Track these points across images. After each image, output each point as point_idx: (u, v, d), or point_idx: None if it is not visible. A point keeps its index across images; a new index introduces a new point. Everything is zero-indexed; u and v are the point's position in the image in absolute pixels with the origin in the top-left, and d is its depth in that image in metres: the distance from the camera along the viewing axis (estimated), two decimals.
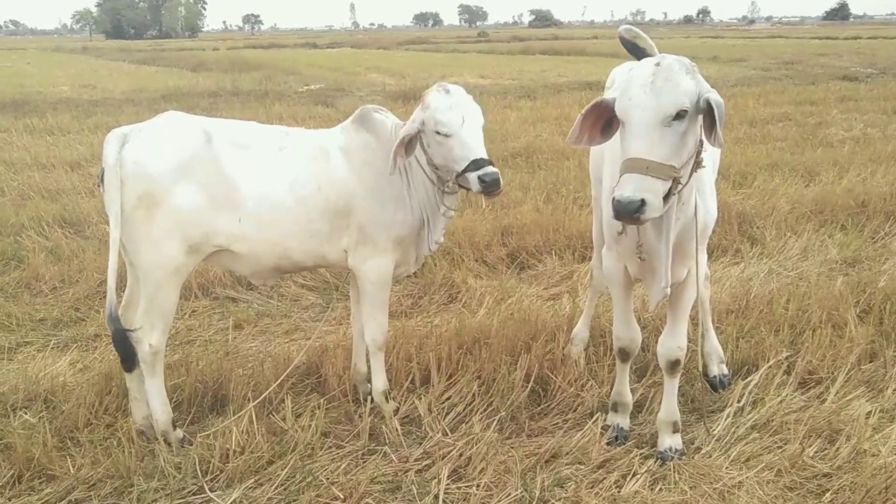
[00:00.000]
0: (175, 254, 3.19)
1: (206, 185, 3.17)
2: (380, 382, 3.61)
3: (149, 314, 3.27)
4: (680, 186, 2.55)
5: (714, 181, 3.08)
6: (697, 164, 2.65)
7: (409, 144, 3.18)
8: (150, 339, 3.28)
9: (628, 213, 2.40)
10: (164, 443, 3.37)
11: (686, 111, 2.47)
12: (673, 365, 3.26)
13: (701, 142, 2.63)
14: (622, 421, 3.46)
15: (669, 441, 3.29)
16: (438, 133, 3.12)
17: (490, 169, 3.04)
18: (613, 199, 2.43)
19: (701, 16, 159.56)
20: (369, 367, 3.69)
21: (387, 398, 3.61)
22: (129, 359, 3.32)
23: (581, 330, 4.22)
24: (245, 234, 3.25)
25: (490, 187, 3.03)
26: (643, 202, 2.39)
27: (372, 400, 3.65)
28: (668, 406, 3.31)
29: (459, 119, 3.10)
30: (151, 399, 3.39)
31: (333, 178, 3.31)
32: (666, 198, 2.48)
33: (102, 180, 3.20)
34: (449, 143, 3.12)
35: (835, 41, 41.45)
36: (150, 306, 3.26)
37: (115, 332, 3.24)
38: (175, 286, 3.28)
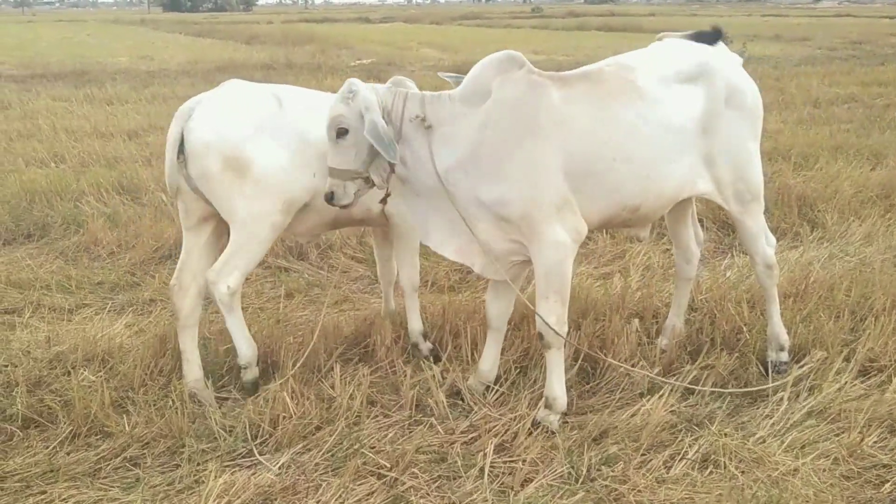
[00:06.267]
0: (273, 210, 3.40)
1: (285, 144, 3.39)
2: (416, 323, 3.82)
3: (233, 259, 3.41)
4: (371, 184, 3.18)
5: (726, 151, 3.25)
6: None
7: None
8: (227, 281, 3.41)
9: (329, 200, 3.13)
10: (248, 377, 3.59)
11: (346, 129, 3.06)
12: (538, 337, 3.34)
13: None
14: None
15: (543, 414, 3.33)
16: None
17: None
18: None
19: None
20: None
21: (425, 337, 3.77)
22: None
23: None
24: (318, 188, 3.40)
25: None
26: (332, 193, 3.10)
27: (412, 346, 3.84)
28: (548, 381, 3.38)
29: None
30: (235, 337, 3.57)
31: None
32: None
33: (182, 151, 3.36)
34: None
35: None
36: (236, 252, 3.41)
37: None
38: (269, 240, 3.47)
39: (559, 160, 3.10)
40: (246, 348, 3.58)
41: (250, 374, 3.60)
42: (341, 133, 3.07)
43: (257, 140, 3.34)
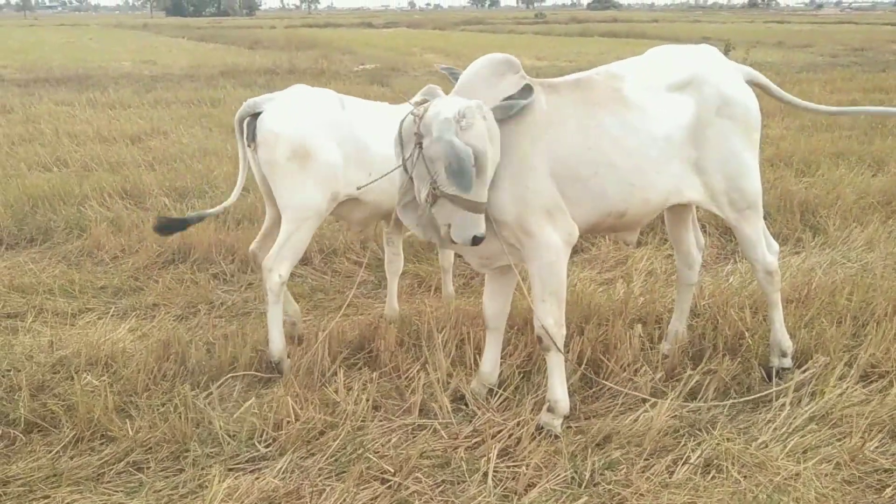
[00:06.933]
0: (320, 200, 3.74)
1: (342, 144, 3.75)
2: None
3: (283, 249, 3.76)
4: None
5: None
6: None
7: None
8: (280, 269, 3.75)
9: (480, 242, 2.99)
10: (275, 370, 3.81)
11: None
12: (538, 340, 3.36)
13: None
14: None
15: (546, 418, 3.35)
16: None
17: None
18: (475, 237, 2.96)
19: (766, 0, 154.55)
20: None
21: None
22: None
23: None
24: (374, 185, 3.69)
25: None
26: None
27: None
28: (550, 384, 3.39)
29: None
30: (271, 328, 3.83)
31: None
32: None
33: (254, 138, 3.73)
34: None
35: None
36: (286, 242, 3.75)
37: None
38: (313, 228, 3.83)
39: (547, 163, 3.13)
40: (278, 342, 3.83)
41: (283, 367, 3.82)
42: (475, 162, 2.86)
43: (321, 136, 3.68)
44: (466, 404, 3.53)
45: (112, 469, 3.10)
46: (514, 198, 3.11)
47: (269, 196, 3.94)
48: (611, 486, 2.95)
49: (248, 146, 3.78)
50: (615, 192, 3.25)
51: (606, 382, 3.60)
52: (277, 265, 3.75)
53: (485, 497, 2.90)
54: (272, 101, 3.77)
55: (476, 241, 2.96)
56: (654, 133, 3.28)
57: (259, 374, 3.81)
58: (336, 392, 3.53)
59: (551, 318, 3.24)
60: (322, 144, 3.69)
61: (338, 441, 3.18)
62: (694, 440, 3.25)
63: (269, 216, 4.08)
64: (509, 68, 3.20)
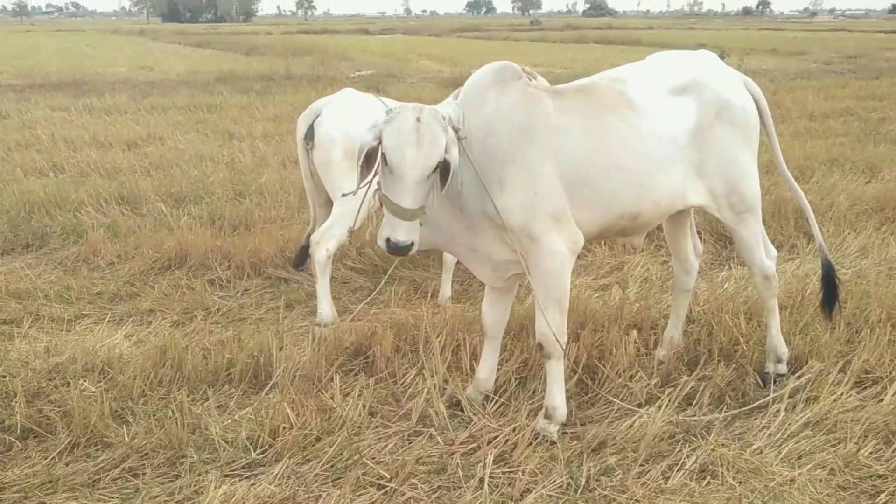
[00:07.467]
0: (368, 192, 3.95)
1: None
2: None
3: (332, 228, 4.26)
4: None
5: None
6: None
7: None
8: (327, 244, 4.26)
9: (403, 252, 2.88)
10: (322, 333, 4.14)
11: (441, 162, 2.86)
12: (538, 348, 3.37)
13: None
14: None
15: (543, 424, 3.36)
16: None
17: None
18: (388, 239, 2.85)
19: (761, 7, 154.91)
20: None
21: None
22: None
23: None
24: None
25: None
26: (412, 243, 2.87)
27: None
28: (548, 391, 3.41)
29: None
30: (320, 298, 4.33)
31: None
32: None
33: (311, 138, 4.25)
34: None
35: None
36: (336, 223, 4.23)
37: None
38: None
39: (555, 169, 3.14)
40: (328, 310, 4.34)
41: (324, 331, 4.15)
42: (439, 166, 2.87)
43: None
44: (463, 410, 3.54)
45: (108, 475, 3.09)
46: (521, 203, 3.11)
47: (313, 191, 4.45)
48: (606, 492, 2.96)
49: (306, 145, 4.26)
50: (625, 194, 3.27)
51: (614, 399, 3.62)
52: (326, 241, 4.23)
53: (481, 503, 2.91)
54: (328, 106, 4.28)
55: (391, 246, 2.85)
56: (660, 135, 3.31)
57: (256, 379, 3.81)
58: (332, 398, 3.53)
59: (553, 326, 3.25)
60: None
61: (334, 447, 3.18)
62: (689, 446, 3.25)
63: (312, 208, 4.58)
64: (510, 74, 3.22)
